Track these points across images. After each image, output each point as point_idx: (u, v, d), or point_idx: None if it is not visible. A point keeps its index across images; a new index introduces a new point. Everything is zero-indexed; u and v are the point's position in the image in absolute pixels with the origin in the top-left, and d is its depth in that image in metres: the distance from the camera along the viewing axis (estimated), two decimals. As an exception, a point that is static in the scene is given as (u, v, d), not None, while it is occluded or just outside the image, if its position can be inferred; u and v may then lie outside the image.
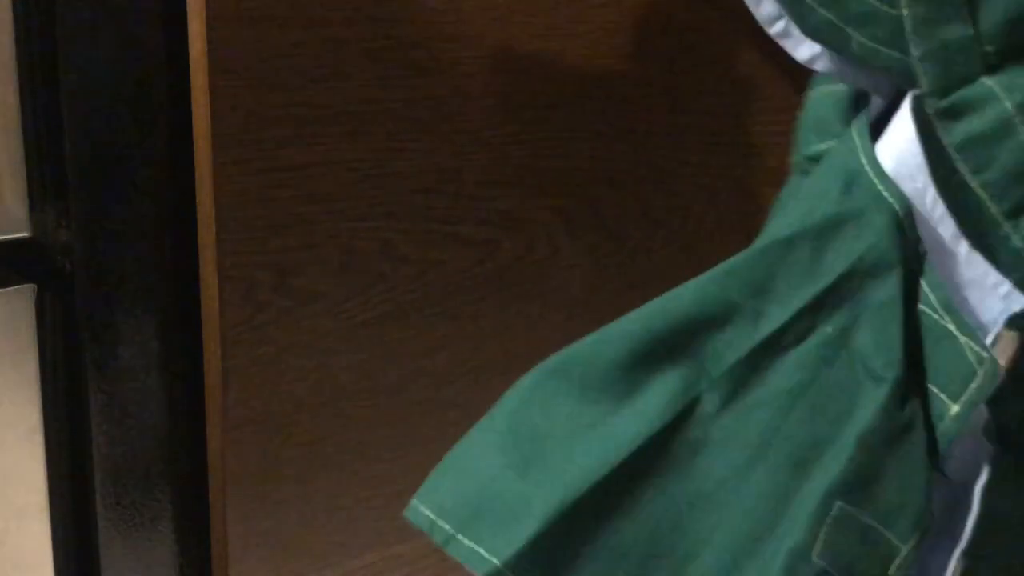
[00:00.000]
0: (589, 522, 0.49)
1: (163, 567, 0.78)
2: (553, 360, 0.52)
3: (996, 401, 0.47)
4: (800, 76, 0.93)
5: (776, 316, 0.49)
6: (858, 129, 0.50)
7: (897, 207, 0.48)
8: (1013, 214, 0.44)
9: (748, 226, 0.95)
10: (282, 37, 0.69)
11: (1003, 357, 0.46)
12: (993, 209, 0.45)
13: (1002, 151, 0.44)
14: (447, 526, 0.51)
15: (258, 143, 0.70)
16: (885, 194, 0.48)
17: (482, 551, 0.49)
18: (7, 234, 0.69)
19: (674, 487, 0.49)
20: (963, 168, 0.45)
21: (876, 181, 0.49)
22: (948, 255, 0.48)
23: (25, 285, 0.71)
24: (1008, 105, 0.44)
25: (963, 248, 0.47)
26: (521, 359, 0.88)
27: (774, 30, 0.52)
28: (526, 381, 0.52)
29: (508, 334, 0.85)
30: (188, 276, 0.73)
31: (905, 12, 0.46)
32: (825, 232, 0.50)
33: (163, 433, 0.76)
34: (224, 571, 0.77)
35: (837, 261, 0.49)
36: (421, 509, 0.51)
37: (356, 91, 0.73)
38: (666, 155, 0.88)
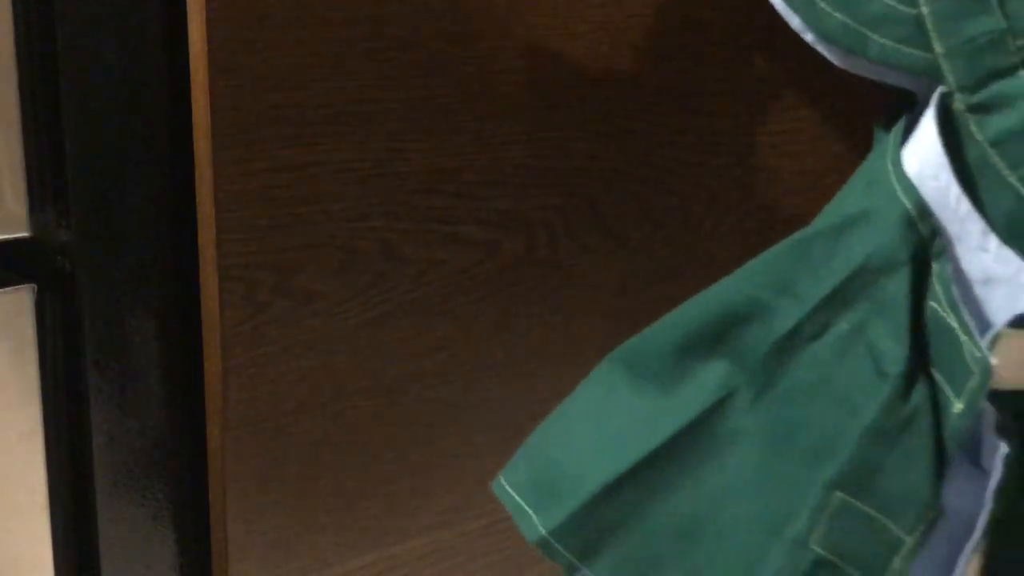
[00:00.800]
0: (627, 501, 0.52)
1: (163, 567, 0.78)
2: (619, 350, 0.56)
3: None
4: (801, 76, 0.93)
5: (794, 312, 0.51)
6: (896, 129, 0.51)
7: (908, 205, 0.48)
8: None
9: (748, 226, 0.95)
10: (282, 37, 0.69)
11: (1006, 357, 0.45)
12: None
13: None
14: (517, 497, 0.56)
15: (258, 143, 0.70)
16: (898, 192, 0.48)
17: (537, 520, 0.55)
18: (7, 234, 0.69)
19: (709, 475, 0.52)
20: (999, 163, 0.45)
21: (893, 179, 0.49)
22: (976, 252, 0.47)
23: (25, 285, 0.71)
24: None
25: (993, 244, 0.47)
26: (521, 359, 0.88)
27: (809, 38, 0.52)
28: (598, 370, 0.57)
29: (508, 334, 0.85)
30: (188, 276, 0.73)
31: (925, 10, 0.46)
32: (841, 230, 0.50)
33: (163, 433, 0.76)
34: (224, 571, 0.77)
35: (849, 259, 0.49)
36: (502, 482, 0.57)
37: (356, 91, 0.73)
38: (666, 155, 0.88)
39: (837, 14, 0.50)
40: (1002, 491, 0.47)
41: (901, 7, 0.48)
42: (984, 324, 0.47)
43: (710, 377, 0.52)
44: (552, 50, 0.80)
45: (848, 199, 0.52)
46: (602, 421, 0.55)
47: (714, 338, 0.52)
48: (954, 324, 0.46)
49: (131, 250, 0.72)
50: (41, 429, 0.73)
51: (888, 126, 0.52)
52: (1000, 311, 0.47)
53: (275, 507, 0.78)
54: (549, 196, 0.83)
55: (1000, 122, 0.45)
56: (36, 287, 0.71)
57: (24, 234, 0.70)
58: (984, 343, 0.45)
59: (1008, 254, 0.46)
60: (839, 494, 0.48)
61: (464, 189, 0.79)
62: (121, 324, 0.72)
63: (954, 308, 0.46)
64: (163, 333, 0.74)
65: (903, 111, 0.52)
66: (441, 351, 0.82)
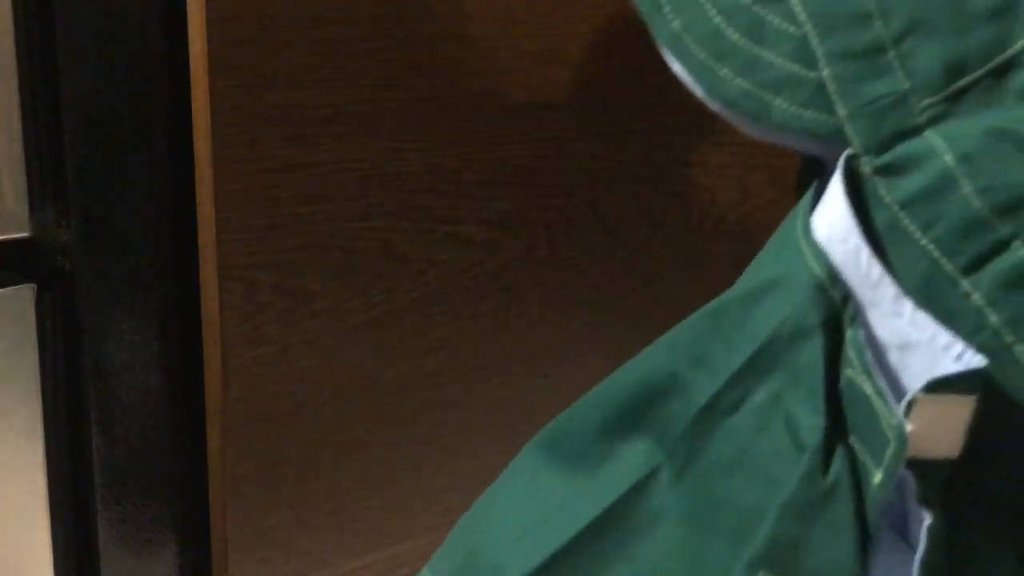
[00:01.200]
0: None
1: (163, 567, 0.78)
2: (542, 432, 0.53)
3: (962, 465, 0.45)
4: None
5: (710, 386, 0.49)
6: (807, 193, 0.50)
7: (818, 270, 0.46)
8: (970, 269, 0.43)
9: (748, 226, 0.95)
10: (282, 37, 0.69)
11: (926, 424, 0.44)
12: (949, 267, 0.44)
13: (947, 206, 0.43)
14: None
15: (258, 143, 0.70)
16: (807, 257, 0.47)
17: None
18: (7, 234, 0.69)
19: (633, 559, 0.50)
20: (911, 226, 0.44)
21: (803, 244, 0.47)
22: (890, 317, 0.46)
23: (25, 285, 0.71)
24: (948, 158, 0.43)
25: (907, 309, 0.45)
26: (521, 359, 0.88)
27: (715, 107, 0.51)
28: (522, 453, 0.54)
29: (508, 334, 0.85)
30: (188, 276, 0.73)
31: (826, 72, 0.46)
32: (753, 299, 0.49)
33: (163, 433, 0.76)
34: (224, 571, 0.77)
35: (762, 328, 0.48)
36: (425, 572, 0.56)
37: (356, 91, 0.73)
38: (666, 155, 0.88)
39: (738, 80, 0.49)
40: (929, 566, 0.45)
41: (802, 70, 0.47)
42: (901, 390, 0.45)
43: (632, 456, 0.50)
44: (552, 50, 0.80)
45: (761, 266, 0.50)
46: (525, 507, 0.53)
47: (635, 415, 0.50)
48: (869, 391, 0.45)
49: (131, 250, 0.72)
50: (41, 429, 0.73)
51: (803, 190, 0.51)
52: (918, 377, 0.45)
53: (275, 507, 0.78)
54: (549, 196, 0.83)
55: (909, 184, 0.44)
56: (36, 287, 0.71)
57: (24, 234, 0.70)
58: (899, 409, 0.43)
59: (922, 318, 0.45)
60: (762, 572, 0.46)
61: (464, 189, 0.79)
62: (121, 324, 0.72)
63: (868, 374, 0.45)
64: (163, 333, 0.74)
65: (816, 174, 0.51)
66: (441, 351, 0.82)
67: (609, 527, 0.50)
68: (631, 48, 0.83)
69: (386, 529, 0.83)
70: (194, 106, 0.69)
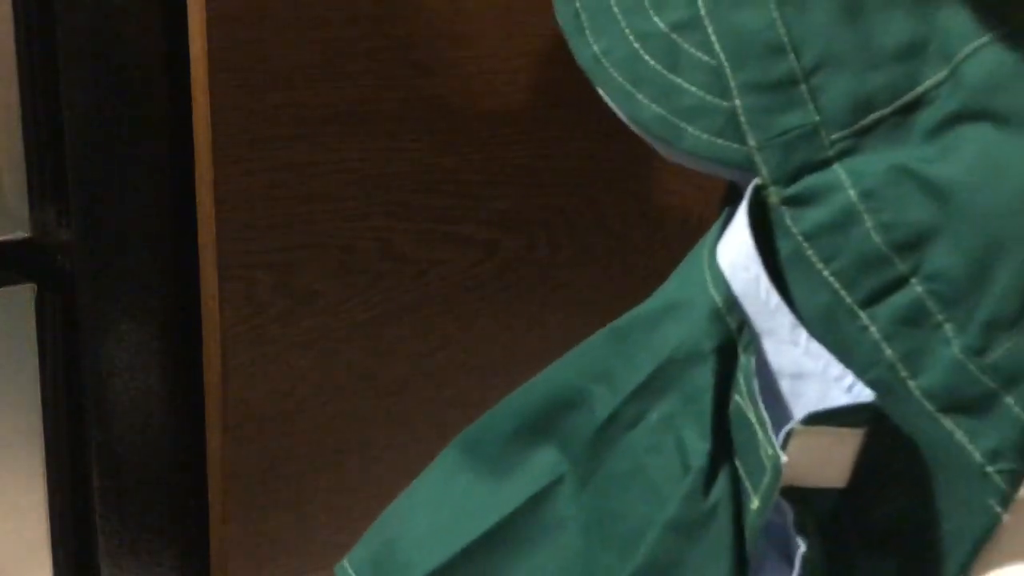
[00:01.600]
0: None
1: (163, 567, 0.78)
2: (463, 434, 0.55)
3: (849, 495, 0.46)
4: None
5: (612, 401, 0.50)
6: (719, 219, 0.50)
7: (716, 296, 0.47)
8: (868, 303, 0.44)
9: (748, 226, 0.95)
10: (282, 37, 0.69)
11: (805, 454, 0.44)
12: (848, 299, 0.44)
13: (849, 240, 0.44)
14: None
15: (258, 143, 0.70)
16: (708, 283, 0.48)
17: None
18: (7, 234, 0.69)
19: (533, 563, 0.50)
20: (813, 257, 0.45)
21: (706, 269, 0.48)
22: (786, 345, 0.46)
23: (25, 285, 0.71)
24: (852, 193, 0.44)
25: (803, 338, 0.46)
26: (521, 359, 0.88)
27: (635, 129, 0.52)
28: (443, 453, 0.56)
29: (508, 334, 0.85)
30: (188, 276, 0.73)
31: (737, 103, 0.46)
32: (656, 320, 0.50)
33: (163, 433, 0.76)
34: (224, 571, 0.77)
35: (660, 349, 0.49)
36: (345, 565, 0.56)
37: (356, 91, 0.73)
38: (666, 155, 0.88)
39: (653, 106, 0.49)
40: None
41: (715, 100, 0.47)
42: (791, 419, 0.45)
43: (540, 464, 0.51)
44: (552, 50, 0.80)
45: (668, 288, 0.52)
46: (439, 506, 0.54)
47: (544, 424, 0.51)
48: (752, 418, 0.45)
49: (131, 249, 0.72)
50: (41, 429, 0.73)
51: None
52: (809, 406, 0.45)
53: (275, 507, 0.78)
54: (549, 196, 0.83)
55: (814, 215, 0.45)
56: (36, 287, 0.71)
57: (24, 234, 0.70)
58: (777, 440, 0.44)
59: (817, 348, 0.45)
60: None
61: (464, 189, 0.79)
62: (121, 324, 0.72)
63: (753, 402, 0.45)
64: (163, 333, 0.74)
65: (731, 200, 0.52)
66: (441, 351, 0.82)
67: (513, 532, 0.51)
68: (631, 48, 0.84)
69: (386, 529, 0.84)
70: (194, 106, 0.69)
